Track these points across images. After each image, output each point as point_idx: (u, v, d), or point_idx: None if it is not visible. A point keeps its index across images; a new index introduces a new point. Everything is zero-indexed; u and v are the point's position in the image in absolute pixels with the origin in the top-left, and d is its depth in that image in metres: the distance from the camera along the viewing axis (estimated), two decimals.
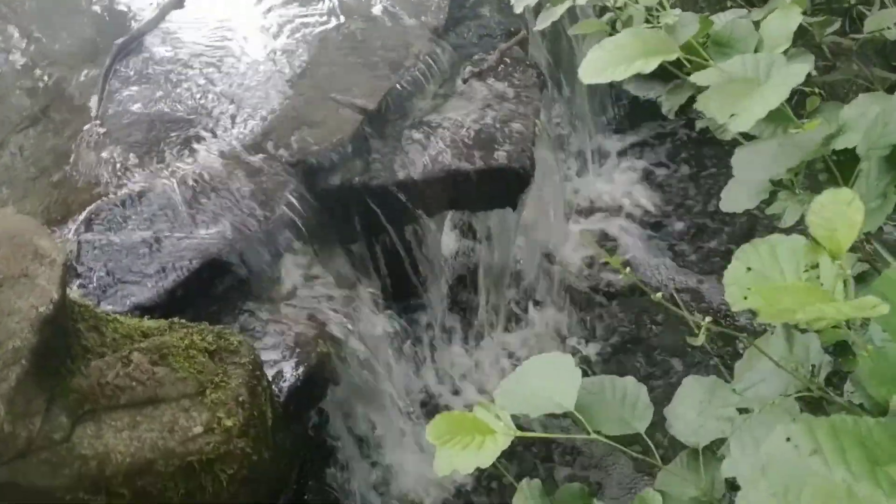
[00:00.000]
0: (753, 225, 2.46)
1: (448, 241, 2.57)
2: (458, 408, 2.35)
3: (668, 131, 2.88)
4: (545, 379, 0.85)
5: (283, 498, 1.64)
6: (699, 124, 1.46)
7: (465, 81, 2.15)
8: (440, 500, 2.14)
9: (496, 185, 1.96)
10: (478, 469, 0.76)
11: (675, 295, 2.32)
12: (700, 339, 0.69)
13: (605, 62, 0.86)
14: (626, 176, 2.77)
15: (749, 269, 0.72)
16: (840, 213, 0.63)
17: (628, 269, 0.64)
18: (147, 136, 1.85)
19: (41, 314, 1.00)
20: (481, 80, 2.17)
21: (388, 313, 2.12)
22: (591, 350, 2.37)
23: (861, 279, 0.95)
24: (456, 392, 2.36)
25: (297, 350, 1.59)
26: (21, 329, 0.98)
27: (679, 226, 2.57)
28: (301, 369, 1.55)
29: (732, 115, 0.80)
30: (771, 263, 0.72)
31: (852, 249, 0.82)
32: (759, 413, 0.73)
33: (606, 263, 2.56)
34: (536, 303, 2.51)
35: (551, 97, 2.47)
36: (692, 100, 1.45)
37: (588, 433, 0.79)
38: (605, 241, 2.61)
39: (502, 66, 2.24)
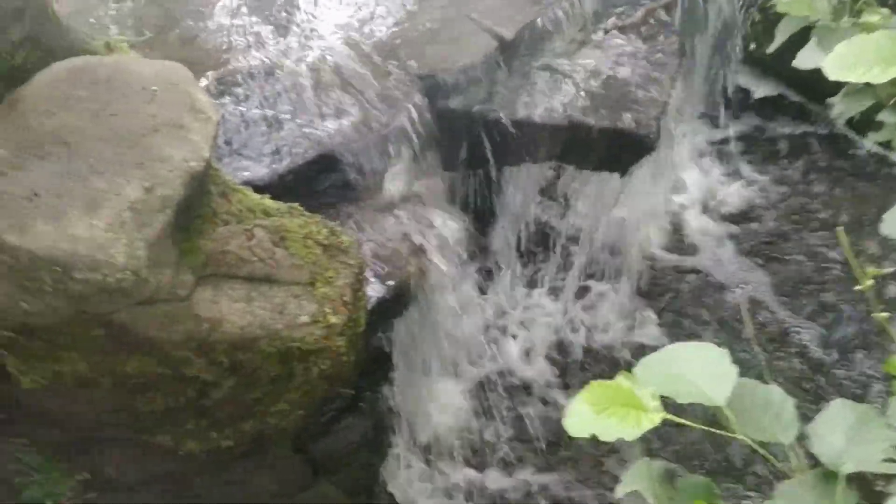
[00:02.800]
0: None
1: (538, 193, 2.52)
2: (508, 350, 2.35)
3: (785, 132, 2.76)
4: (694, 367, 0.82)
5: (340, 400, 1.66)
6: (874, 137, 1.38)
7: (606, 32, 2.06)
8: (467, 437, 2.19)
9: (614, 148, 1.90)
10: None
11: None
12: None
13: (856, 60, 0.79)
14: (732, 170, 2.68)
15: None
16: None
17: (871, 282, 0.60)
18: (284, 14, 1.81)
19: (191, 168, 0.99)
20: (623, 34, 2.08)
21: (471, 248, 2.10)
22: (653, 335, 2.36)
23: None
24: (508, 336, 2.37)
25: (391, 263, 1.58)
26: (171, 179, 0.97)
27: (775, 233, 2.49)
28: (391, 283, 1.54)
29: None
30: None
31: None
32: None
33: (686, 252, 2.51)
34: (608, 277, 2.48)
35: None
36: (871, 109, 1.36)
37: (734, 432, 0.77)
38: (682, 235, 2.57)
39: (645, 26, 2.14)
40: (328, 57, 1.72)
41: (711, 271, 2.47)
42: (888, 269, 0.68)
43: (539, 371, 2.30)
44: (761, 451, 0.77)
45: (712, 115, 2.87)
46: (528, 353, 2.34)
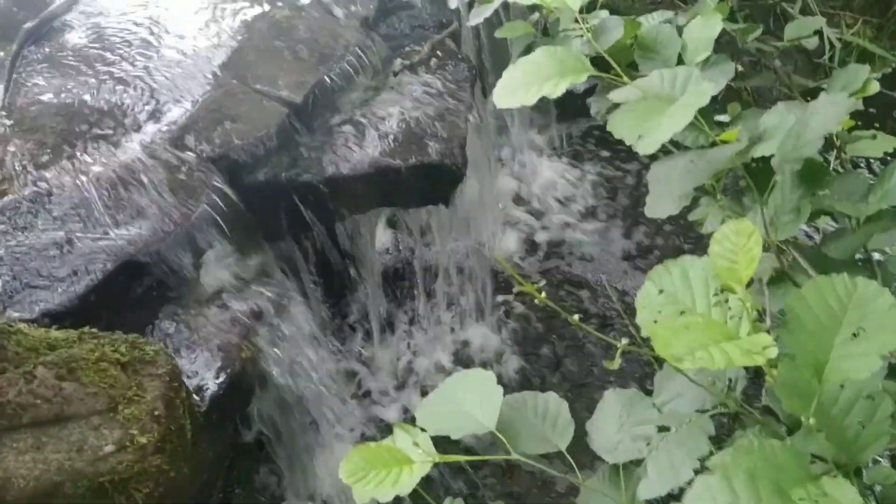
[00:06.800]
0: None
1: (382, 237, 2.54)
2: (390, 405, 2.34)
3: (601, 128, 2.90)
4: (467, 397, 0.84)
5: None
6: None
7: (395, 74, 2.11)
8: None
9: (428, 182, 1.94)
10: None
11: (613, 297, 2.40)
12: (616, 364, 0.68)
13: (518, 84, 0.84)
14: (560, 173, 2.79)
15: (661, 291, 0.72)
16: (741, 245, 0.62)
17: (543, 294, 0.63)
18: (58, 130, 1.75)
19: None
20: (413, 72, 2.14)
21: (318, 311, 2.08)
22: (522, 354, 2.40)
23: (775, 282, 0.96)
24: (387, 391, 2.35)
25: (221, 356, 1.53)
26: None
27: (618, 223, 2.61)
28: (223, 376, 1.50)
29: (640, 136, 0.79)
30: (683, 286, 0.71)
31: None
32: (675, 432, 0.72)
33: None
34: (467, 302, 2.51)
35: (484, 91, 2.45)
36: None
37: (509, 454, 0.78)
38: (538, 241, 2.65)
39: (434, 58, 2.21)
40: (112, 163, 1.67)
41: (567, 264, 2.56)
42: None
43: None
44: (540, 466, 0.79)
45: (545, 119, 2.99)
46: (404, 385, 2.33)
